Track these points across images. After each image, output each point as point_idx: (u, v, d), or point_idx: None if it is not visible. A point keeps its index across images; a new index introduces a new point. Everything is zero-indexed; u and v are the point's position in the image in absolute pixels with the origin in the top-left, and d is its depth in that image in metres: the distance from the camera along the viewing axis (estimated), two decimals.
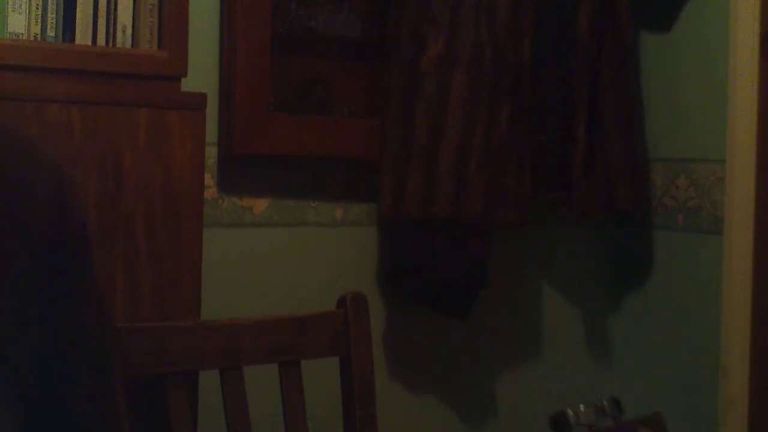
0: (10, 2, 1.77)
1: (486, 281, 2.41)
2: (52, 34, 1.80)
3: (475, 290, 2.41)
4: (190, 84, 1.90)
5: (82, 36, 1.82)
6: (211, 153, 2.19)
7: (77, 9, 1.81)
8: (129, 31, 1.85)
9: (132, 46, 1.86)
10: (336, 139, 2.30)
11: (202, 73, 2.14)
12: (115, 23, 1.84)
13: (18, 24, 1.78)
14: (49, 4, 1.79)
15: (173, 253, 1.83)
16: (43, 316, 1.55)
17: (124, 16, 1.85)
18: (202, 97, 1.88)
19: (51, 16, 1.80)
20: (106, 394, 1.50)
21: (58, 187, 1.49)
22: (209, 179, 2.19)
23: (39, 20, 1.79)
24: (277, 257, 2.29)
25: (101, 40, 1.83)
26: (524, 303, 2.63)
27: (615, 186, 2.47)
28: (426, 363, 2.49)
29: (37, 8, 1.79)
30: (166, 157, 1.83)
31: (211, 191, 2.19)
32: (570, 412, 1.17)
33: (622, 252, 2.68)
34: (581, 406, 1.19)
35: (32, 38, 1.79)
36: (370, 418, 1.87)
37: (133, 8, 1.85)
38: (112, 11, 1.84)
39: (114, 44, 1.84)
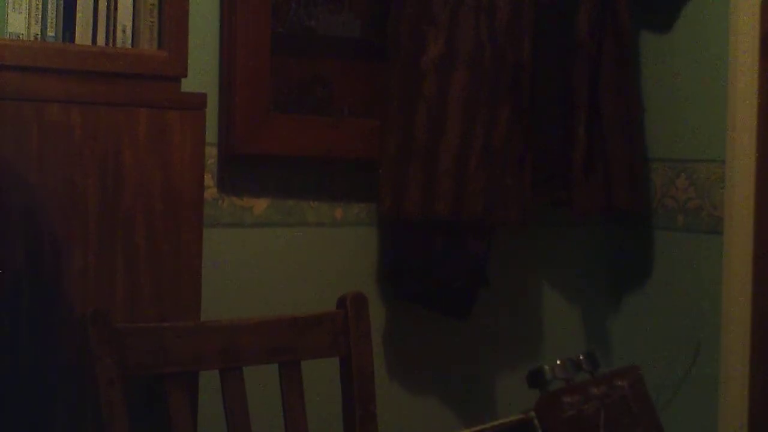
0: (10, 2, 1.77)
1: (486, 281, 2.41)
2: (52, 34, 1.80)
3: (475, 290, 2.41)
4: (190, 84, 1.90)
5: (82, 36, 1.82)
6: (211, 153, 2.19)
7: (77, 9, 1.81)
8: (129, 31, 1.85)
9: (132, 46, 1.86)
10: (336, 139, 2.30)
11: (202, 73, 2.14)
12: (115, 23, 1.84)
13: (18, 24, 1.78)
14: (49, 4, 1.79)
15: (173, 253, 1.83)
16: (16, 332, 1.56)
17: (124, 16, 1.85)
18: (202, 97, 1.88)
19: (51, 16, 1.80)
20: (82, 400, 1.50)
21: (29, 208, 1.50)
22: (209, 179, 2.19)
23: (39, 20, 1.79)
24: (277, 257, 2.29)
25: (101, 40, 1.84)
26: (524, 303, 2.62)
27: (615, 186, 2.47)
28: (426, 363, 2.49)
29: (37, 8, 1.79)
30: (166, 157, 1.83)
31: (211, 191, 2.19)
32: (546, 368, 1.18)
33: (622, 252, 2.67)
34: (557, 361, 1.19)
35: (32, 38, 1.79)
36: (370, 417, 1.87)
37: (133, 8, 1.85)
38: (112, 11, 1.84)
39: (114, 44, 1.85)
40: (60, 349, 1.75)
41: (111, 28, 1.84)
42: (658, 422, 1.23)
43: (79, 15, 1.82)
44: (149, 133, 1.81)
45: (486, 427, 1.15)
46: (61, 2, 1.80)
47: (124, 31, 1.85)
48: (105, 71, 1.81)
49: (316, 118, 2.30)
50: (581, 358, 1.21)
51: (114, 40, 1.84)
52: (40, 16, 1.79)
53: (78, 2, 1.81)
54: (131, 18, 1.85)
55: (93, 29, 1.83)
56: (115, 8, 1.84)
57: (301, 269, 2.32)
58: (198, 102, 1.87)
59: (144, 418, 1.75)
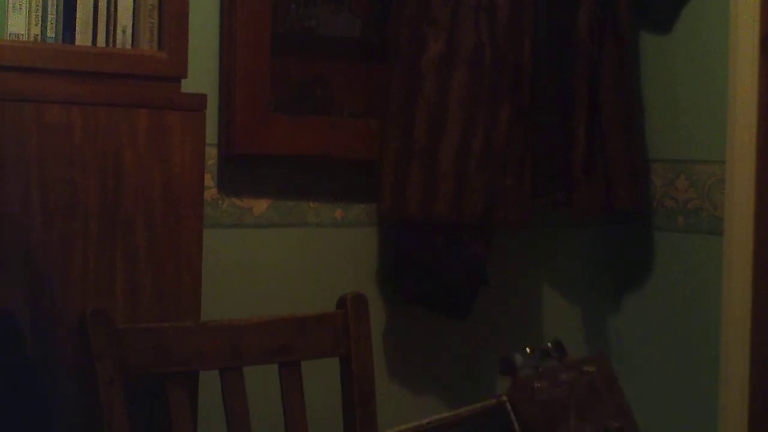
0: (10, 3, 1.77)
1: (486, 281, 2.41)
2: (52, 34, 1.80)
3: (474, 290, 2.41)
4: (190, 84, 1.91)
5: (82, 37, 1.82)
6: (211, 154, 2.20)
7: (77, 10, 1.82)
8: (129, 32, 1.85)
9: (132, 46, 1.86)
10: (336, 139, 2.30)
11: (202, 74, 2.14)
12: (115, 24, 1.84)
13: (18, 25, 1.78)
14: (49, 4, 1.79)
15: (173, 254, 1.83)
16: None
17: (124, 16, 1.85)
18: (201, 98, 1.88)
19: (51, 17, 1.80)
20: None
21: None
22: (209, 180, 2.19)
23: (39, 21, 1.79)
24: (277, 258, 2.29)
25: (101, 40, 1.84)
26: (524, 303, 2.63)
27: (615, 186, 2.47)
28: (426, 363, 2.49)
29: (37, 9, 1.79)
30: (166, 158, 1.83)
31: (211, 192, 2.19)
32: (517, 356, 1.26)
33: (622, 252, 2.68)
34: (527, 349, 1.27)
35: (32, 39, 1.79)
36: (370, 417, 1.87)
37: (133, 9, 1.85)
38: (112, 12, 1.84)
39: (114, 45, 1.85)
40: (61, 349, 1.75)
41: (111, 29, 1.84)
42: (625, 404, 1.29)
43: (79, 16, 1.82)
44: (149, 133, 1.81)
45: (460, 412, 1.19)
46: (61, 3, 1.80)
47: (123, 32, 1.85)
48: (105, 72, 1.81)
49: (315, 119, 2.30)
50: (549, 345, 1.28)
51: (114, 41, 1.84)
52: (40, 17, 1.79)
53: (78, 3, 1.82)
54: (131, 19, 1.85)
55: (93, 30, 1.83)
56: (115, 9, 1.84)
57: (301, 269, 2.32)
58: (198, 103, 1.87)
59: (144, 418, 1.75)
